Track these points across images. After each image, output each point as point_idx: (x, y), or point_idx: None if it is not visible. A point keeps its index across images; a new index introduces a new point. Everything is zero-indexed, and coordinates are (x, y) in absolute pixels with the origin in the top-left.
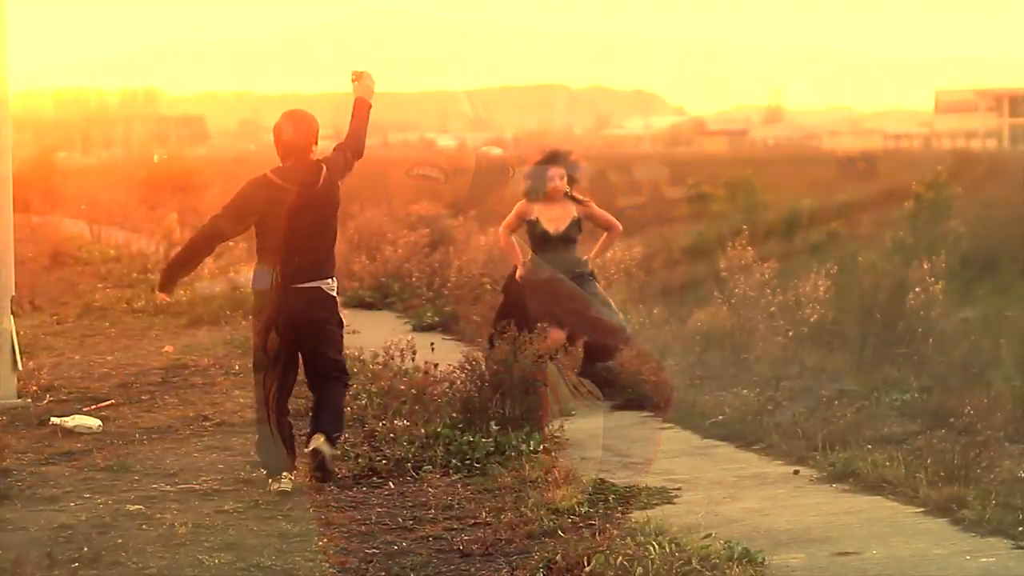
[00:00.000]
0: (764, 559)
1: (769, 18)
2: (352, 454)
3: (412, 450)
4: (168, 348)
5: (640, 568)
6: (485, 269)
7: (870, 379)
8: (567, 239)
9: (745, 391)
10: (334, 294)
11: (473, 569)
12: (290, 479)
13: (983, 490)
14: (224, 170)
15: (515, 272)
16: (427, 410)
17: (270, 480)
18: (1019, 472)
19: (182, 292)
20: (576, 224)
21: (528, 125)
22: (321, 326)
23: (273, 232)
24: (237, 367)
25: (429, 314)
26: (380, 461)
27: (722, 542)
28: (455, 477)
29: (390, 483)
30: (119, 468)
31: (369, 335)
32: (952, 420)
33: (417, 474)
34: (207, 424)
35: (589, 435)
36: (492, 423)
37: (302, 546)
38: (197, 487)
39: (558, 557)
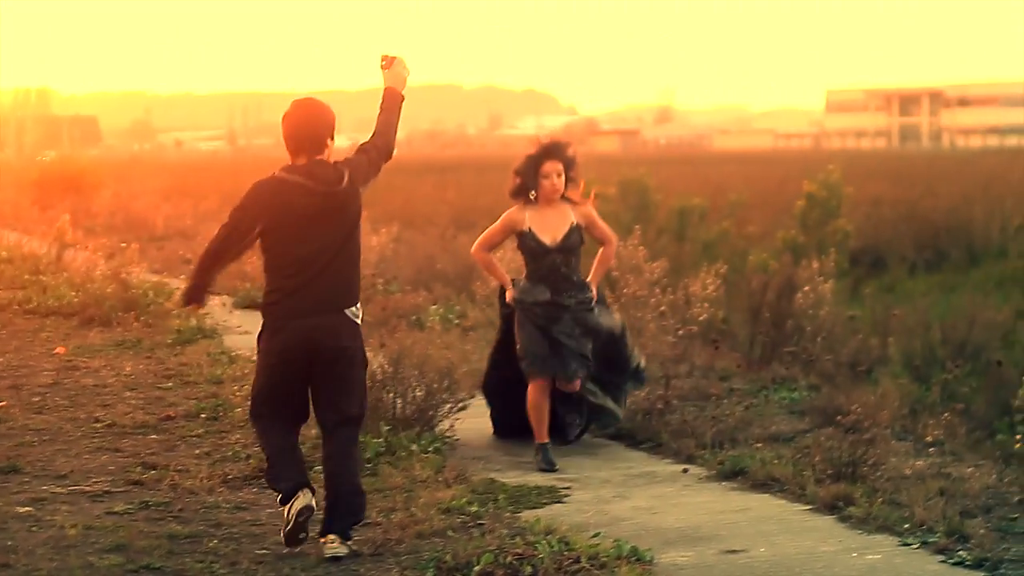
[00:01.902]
0: (653, 557)
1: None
2: (243, 455)
3: (304, 451)
4: (60, 349)
5: (529, 567)
6: (377, 270)
7: (759, 378)
8: (567, 250)
9: (635, 390)
10: (358, 322)
11: (363, 569)
12: (310, 494)
13: (870, 488)
14: (117, 170)
15: (501, 294)
16: None
17: (287, 506)
18: (905, 469)
19: (73, 293)
20: (577, 232)
21: (421, 125)
22: (342, 367)
23: (284, 245)
24: (129, 368)
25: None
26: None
27: (611, 541)
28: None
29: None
30: (9, 469)
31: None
32: (840, 418)
33: (309, 474)
34: (98, 426)
35: (479, 435)
36: (383, 423)
37: (192, 547)
38: (87, 489)
39: (448, 556)
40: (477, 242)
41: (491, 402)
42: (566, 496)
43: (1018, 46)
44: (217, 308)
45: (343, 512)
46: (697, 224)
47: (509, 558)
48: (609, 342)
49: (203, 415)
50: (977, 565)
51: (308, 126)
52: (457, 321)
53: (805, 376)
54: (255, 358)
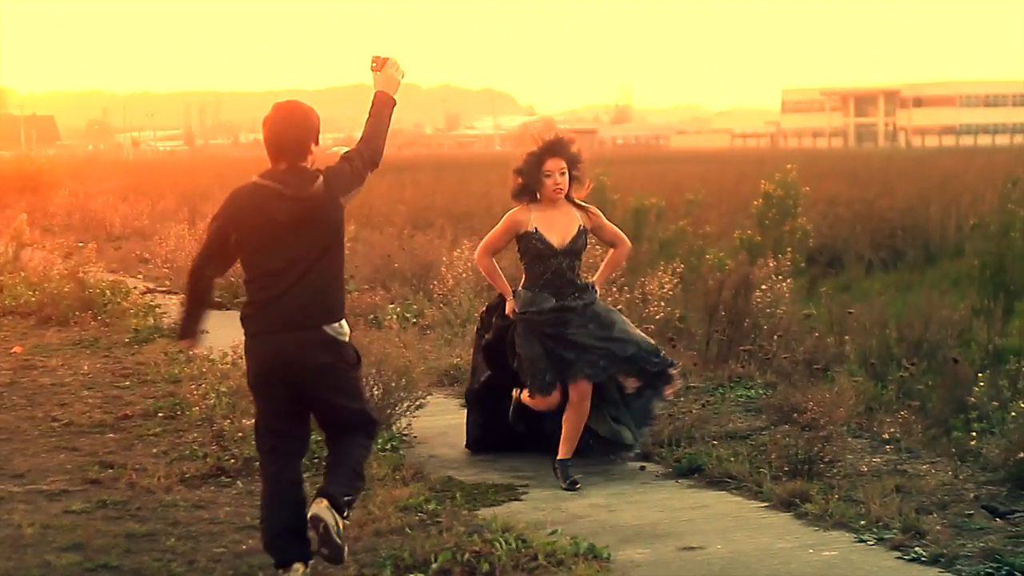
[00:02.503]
0: (610, 555)
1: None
2: (200, 453)
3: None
4: (17, 348)
5: (487, 564)
6: None
7: (715, 375)
8: (574, 254)
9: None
10: (344, 338)
11: (321, 567)
12: (304, 570)
13: (826, 485)
14: (74, 170)
15: (498, 307)
16: None
17: (280, 571)
18: (861, 467)
19: (30, 293)
20: (583, 235)
21: None
22: (328, 374)
23: (257, 255)
24: (86, 367)
25: None
26: (228, 460)
27: (568, 538)
28: (303, 475)
29: (238, 482)
30: None
31: (219, 335)
32: (796, 415)
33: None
34: (55, 425)
35: (437, 433)
36: None
37: (150, 546)
38: (45, 487)
39: (405, 554)
40: (480, 247)
41: (472, 412)
42: (523, 494)
43: (973, 47)
44: (175, 308)
45: (341, 477)
46: (654, 223)
47: (467, 556)
48: (621, 337)
49: (160, 414)
50: (933, 561)
51: (289, 130)
52: (415, 320)
53: (762, 374)
54: (213, 356)
